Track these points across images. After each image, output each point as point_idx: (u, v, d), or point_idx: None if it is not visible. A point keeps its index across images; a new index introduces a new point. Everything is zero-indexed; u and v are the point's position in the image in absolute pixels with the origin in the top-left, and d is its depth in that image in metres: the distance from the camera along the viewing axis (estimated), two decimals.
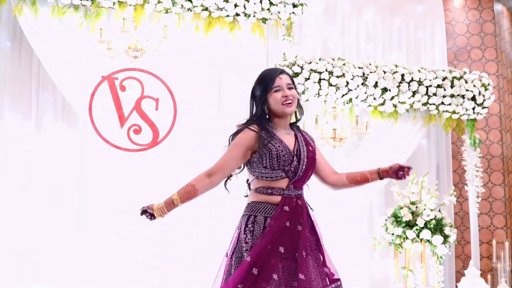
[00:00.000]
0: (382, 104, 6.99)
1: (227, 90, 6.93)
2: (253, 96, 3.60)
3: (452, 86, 7.14)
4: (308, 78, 6.59)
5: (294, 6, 6.72)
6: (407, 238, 6.60)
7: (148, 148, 6.37)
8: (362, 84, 6.80)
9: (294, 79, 6.48)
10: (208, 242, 6.50)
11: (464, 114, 7.29)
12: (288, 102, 3.53)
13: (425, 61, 8.09)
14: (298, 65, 6.60)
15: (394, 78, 6.91)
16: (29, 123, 6.54)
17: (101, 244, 6.51)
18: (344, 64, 6.77)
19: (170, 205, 3.57)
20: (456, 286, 7.33)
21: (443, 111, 7.22)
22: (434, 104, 7.11)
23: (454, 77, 7.19)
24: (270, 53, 7.05)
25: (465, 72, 7.33)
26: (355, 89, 6.77)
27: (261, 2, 6.56)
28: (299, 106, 3.65)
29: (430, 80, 7.05)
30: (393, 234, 6.65)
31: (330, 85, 6.67)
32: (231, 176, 3.66)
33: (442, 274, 6.75)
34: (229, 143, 3.58)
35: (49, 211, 6.45)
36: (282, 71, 3.60)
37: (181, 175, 6.36)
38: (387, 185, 7.21)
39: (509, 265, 7.42)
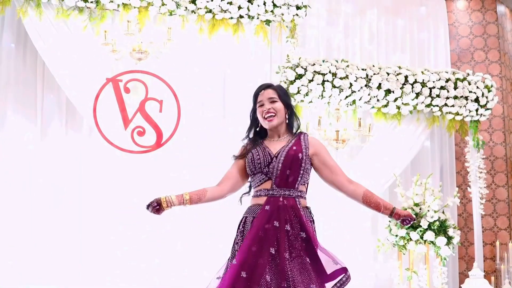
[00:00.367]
0: (386, 105, 7.00)
1: (231, 92, 6.95)
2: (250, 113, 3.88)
3: (455, 88, 7.15)
4: (312, 80, 6.61)
5: (298, 8, 6.73)
6: (410, 239, 6.61)
7: (152, 150, 6.38)
8: (366, 85, 6.81)
9: (298, 81, 6.52)
10: (209, 242, 6.51)
11: (467, 115, 7.29)
12: (268, 115, 3.70)
13: (429, 63, 8.10)
14: (301, 66, 6.61)
15: (397, 79, 6.92)
16: (34, 124, 6.55)
17: (101, 244, 6.52)
18: (347, 66, 6.78)
19: (179, 199, 3.67)
20: None
21: (447, 113, 7.22)
22: (437, 105, 7.12)
23: (457, 79, 7.20)
24: (274, 55, 7.08)
25: (468, 74, 7.33)
26: (359, 90, 6.78)
27: (264, 4, 6.58)
28: (295, 118, 3.82)
29: (433, 81, 7.06)
30: (396, 235, 6.66)
31: (334, 86, 6.68)
32: (248, 192, 3.86)
33: (445, 276, 6.75)
34: None
35: (50, 211, 6.46)
36: (268, 86, 3.78)
37: (184, 176, 6.40)
38: (391, 186, 7.22)
39: None
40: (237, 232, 3.69)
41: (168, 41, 6.18)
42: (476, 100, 7.24)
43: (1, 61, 6.51)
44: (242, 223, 3.68)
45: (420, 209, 6.68)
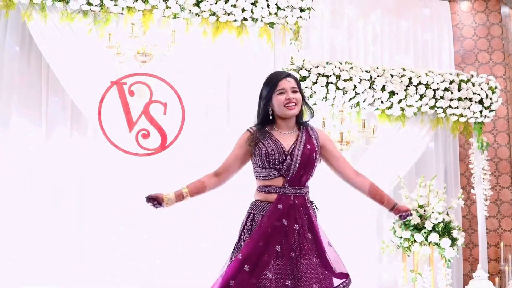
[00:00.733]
0: (390, 107, 7.01)
1: (235, 94, 6.97)
2: (260, 96, 3.73)
3: (459, 89, 7.15)
4: (316, 82, 6.62)
5: (301, 10, 6.74)
6: (415, 241, 6.61)
7: (157, 153, 6.39)
8: (370, 87, 6.82)
9: (302, 83, 6.54)
10: (210, 242, 6.52)
11: (471, 117, 7.29)
12: (290, 105, 3.63)
13: (433, 64, 8.10)
14: (305, 69, 6.62)
15: (401, 81, 6.93)
16: (39, 127, 6.56)
17: (102, 244, 6.52)
18: (351, 68, 6.79)
19: (180, 197, 3.75)
20: None
21: (451, 114, 7.23)
22: (441, 107, 7.12)
23: (461, 80, 7.20)
24: (278, 57, 7.07)
25: (472, 75, 7.33)
26: (363, 92, 6.78)
27: (268, 6, 6.59)
28: (308, 107, 3.76)
29: (437, 83, 7.06)
30: (401, 237, 6.66)
31: (338, 88, 6.69)
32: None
33: (450, 277, 6.75)
34: None
35: (51, 212, 6.46)
36: (289, 74, 3.70)
37: (189, 179, 6.39)
38: (395, 188, 7.22)
39: None
40: (243, 229, 3.63)
41: (172, 43, 6.19)
42: (480, 101, 7.24)
43: (6, 64, 6.52)
44: (249, 220, 3.62)
45: (424, 210, 6.68)
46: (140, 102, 6.35)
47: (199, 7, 6.39)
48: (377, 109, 7.02)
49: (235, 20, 6.56)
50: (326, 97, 6.70)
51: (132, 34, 6.08)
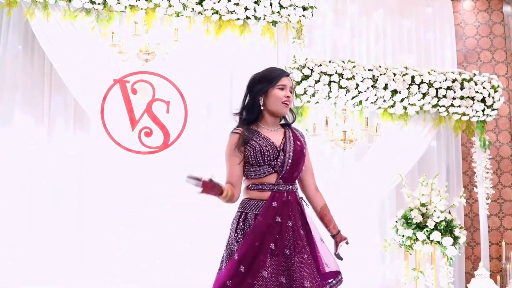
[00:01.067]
0: (392, 106, 7.01)
1: (237, 93, 6.96)
2: (251, 87, 3.69)
3: (462, 88, 7.15)
4: (318, 81, 6.62)
5: (304, 9, 6.74)
6: (417, 239, 6.62)
7: (159, 151, 6.40)
8: (372, 86, 6.82)
9: (304, 81, 6.56)
10: (210, 242, 6.52)
11: (474, 116, 7.30)
12: (287, 103, 3.65)
13: (435, 63, 8.10)
14: (308, 67, 6.62)
15: (404, 80, 6.93)
16: (41, 126, 6.57)
17: (102, 244, 6.53)
18: (354, 67, 6.79)
19: (218, 190, 3.51)
20: (466, 287, 7.35)
21: (453, 113, 7.23)
22: (444, 106, 7.12)
23: (463, 79, 7.21)
24: (280, 55, 7.07)
25: (474, 74, 7.34)
26: (365, 91, 6.79)
27: (271, 5, 6.59)
28: (291, 111, 3.77)
29: (440, 82, 7.06)
30: (403, 235, 6.67)
31: (340, 87, 6.69)
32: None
33: (452, 275, 6.76)
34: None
35: (51, 211, 6.46)
36: (289, 74, 3.72)
37: None
38: (397, 187, 7.23)
39: None
40: (236, 229, 3.58)
41: (175, 42, 6.20)
42: (483, 100, 7.24)
43: (9, 62, 6.52)
44: (241, 220, 3.58)
45: (426, 209, 6.69)
46: (143, 100, 6.35)
47: (202, 5, 6.39)
48: (379, 107, 7.02)
49: (238, 19, 6.56)
50: (328, 96, 6.70)
51: (135, 32, 6.09)
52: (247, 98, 3.70)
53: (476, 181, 7.48)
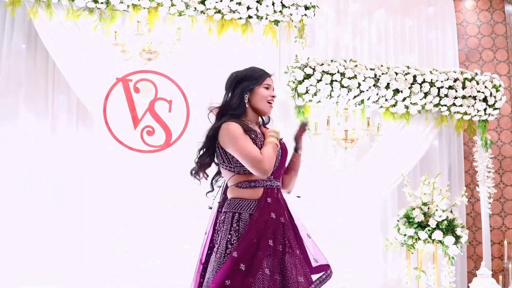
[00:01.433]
0: (394, 105, 7.02)
1: None
2: (235, 84, 3.60)
3: (463, 87, 7.16)
4: (320, 80, 6.63)
5: (306, 8, 6.76)
6: (419, 239, 6.62)
7: (161, 150, 6.42)
8: (374, 85, 6.83)
9: (306, 80, 6.58)
10: None
11: (475, 115, 7.31)
12: (272, 102, 3.63)
13: (437, 63, 8.10)
14: (310, 66, 6.63)
15: (406, 79, 6.94)
16: (45, 124, 6.59)
17: (102, 244, 6.53)
18: (356, 66, 6.80)
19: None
20: (468, 287, 7.35)
21: (455, 112, 7.24)
22: (445, 105, 7.13)
23: (465, 79, 7.21)
24: (282, 55, 7.09)
25: (476, 74, 7.35)
26: (367, 90, 6.79)
27: (273, 4, 6.60)
28: None
29: (441, 81, 7.07)
30: (405, 235, 6.67)
31: (342, 86, 6.70)
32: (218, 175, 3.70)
33: (453, 275, 6.77)
34: (211, 135, 3.59)
35: (51, 211, 6.47)
36: (271, 74, 3.70)
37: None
38: (399, 186, 7.24)
39: None
40: (230, 231, 3.45)
41: (177, 41, 6.22)
42: (484, 99, 7.25)
43: (12, 61, 6.55)
44: (235, 221, 3.47)
45: (428, 208, 6.70)
46: (145, 99, 6.37)
47: (204, 4, 6.41)
48: (381, 107, 7.03)
49: (240, 18, 6.58)
50: (330, 95, 6.71)
51: (137, 31, 6.11)
52: (230, 94, 3.62)
53: (478, 180, 7.49)
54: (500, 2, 8.33)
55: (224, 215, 3.53)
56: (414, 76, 6.99)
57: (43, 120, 6.60)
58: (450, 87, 7.11)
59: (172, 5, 6.33)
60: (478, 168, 7.45)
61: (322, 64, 6.69)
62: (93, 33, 6.30)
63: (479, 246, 7.87)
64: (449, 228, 6.62)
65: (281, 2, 6.63)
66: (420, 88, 6.98)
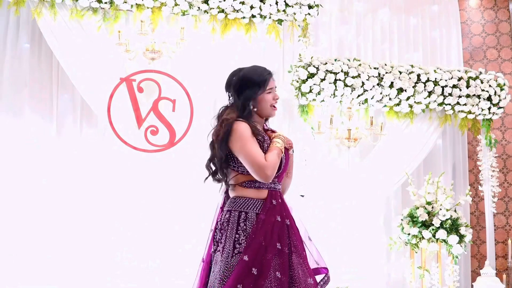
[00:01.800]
0: (398, 104, 7.01)
1: None
2: (239, 90, 3.55)
3: (467, 86, 7.15)
4: (324, 79, 6.63)
5: (310, 7, 6.76)
6: (423, 238, 6.62)
7: (165, 149, 6.42)
8: (378, 84, 6.82)
9: (310, 79, 6.57)
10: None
11: (479, 114, 7.30)
12: (275, 105, 3.60)
13: (441, 61, 8.08)
14: (313, 65, 6.63)
15: (409, 78, 6.93)
16: (49, 123, 6.60)
17: (102, 244, 6.53)
18: (359, 65, 6.80)
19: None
20: (472, 286, 7.35)
21: (459, 111, 7.23)
22: (449, 104, 7.12)
23: (469, 77, 7.20)
24: (286, 54, 7.08)
25: (480, 72, 7.33)
26: (371, 89, 6.79)
27: (276, 3, 6.60)
28: None
29: (445, 80, 7.06)
30: (409, 234, 6.67)
31: (346, 85, 6.70)
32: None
33: (457, 274, 6.76)
34: (218, 137, 3.53)
35: (51, 211, 6.47)
36: (272, 73, 3.62)
37: (197, 175, 6.42)
38: (403, 185, 7.23)
39: None
40: (237, 230, 3.41)
41: (181, 41, 6.22)
42: (489, 98, 7.24)
43: (17, 61, 6.56)
44: (242, 220, 3.43)
45: (432, 207, 6.69)
46: (149, 98, 6.38)
47: (207, 4, 6.42)
48: (385, 106, 7.03)
49: (244, 17, 6.58)
50: (334, 94, 6.71)
51: (141, 31, 6.12)
52: (233, 99, 3.57)
53: (482, 179, 7.48)
54: (505, 1, 8.31)
55: (229, 214, 3.49)
56: (418, 75, 6.98)
57: (47, 120, 6.61)
58: (454, 86, 7.10)
59: (176, 4, 6.34)
60: (482, 167, 7.45)
61: (326, 63, 6.69)
62: (97, 33, 6.31)
63: (483, 245, 7.86)
64: (453, 227, 6.62)
65: (285, 1, 6.63)
66: (424, 87, 6.97)
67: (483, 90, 7.20)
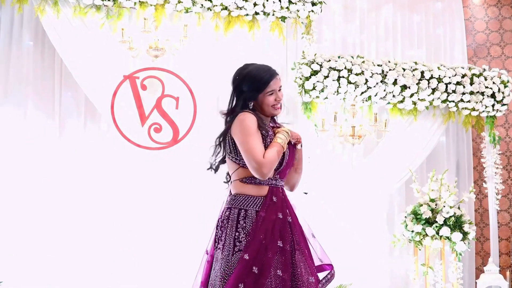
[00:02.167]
0: (402, 101, 7.00)
1: None
2: (239, 90, 3.53)
3: (471, 83, 7.14)
4: (327, 76, 6.62)
5: (313, 4, 6.75)
6: (426, 235, 6.61)
7: (169, 147, 6.43)
8: (381, 81, 6.81)
9: (313, 77, 6.56)
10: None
11: (483, 111, 7.28)
12: (278, 106, 3.55)
13: (445, 58, 8.07)
14: (317, 63, 6.63)
15: (413, 75, 6.92)
16: (52, 121, 6.61)
17: (102, 244, 6.53)
18: (363, 62, 6.79)
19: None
20: (475, 283, 7.34)
21: (463, 108, 7.22)
22: (453, 101, 7.11)
23: (473, 74, 7.19)
24: (289, 51, 7.05)
25: (484, 69, 7.32)
26: (374, 86, 6.78)
27: (280, 0, 6.60)
28: None
29: (449, 77, 7.05)
30: (412, 231, 6.66)
31: (349, 82, 6.69)
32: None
33: (461, 271, 6.76)
34: (232, 129, 3.49)
35: (51, 210, 6.47)
36: (276, 73, 3.57)
37: (201, 173, 6.41)
38: (406, 182, 7.23)
39: None
40: (237, 228, 3.40)
41: (184, 38, 6.23)
42: (492, 95, 7.22)
43: (20, 59, 6.57)
44: (242, 218, 3.41)
45: (436, 204, 6.68)
46: (152, 96, 6.39)
47: (211, 1, 6.42)
48: (389, 103, 7.02)
49: (247, 15, 6.58)
50: (337, 91, 6.70)
51: (144, 28, 6.12)
52: (235, 99, 3.55)
53: (485, 176, 7.47)
54: None
55: (229, 211, 3.48)
56: (422, 72, 6.97)
57: (50, 118, 6.62)
58: (458, 83, 7.08)
59: (179, 2, 6.34)
60: (486, 164, 7.43)
61: (329, 60, 6.68)
62: (100, 30, 6.32)
63: (486, 242, 7.85)
64: (457, 224, 6.61)
65: None
66: (428, 84, 6.96)
67: (486, 87, 7.19)
